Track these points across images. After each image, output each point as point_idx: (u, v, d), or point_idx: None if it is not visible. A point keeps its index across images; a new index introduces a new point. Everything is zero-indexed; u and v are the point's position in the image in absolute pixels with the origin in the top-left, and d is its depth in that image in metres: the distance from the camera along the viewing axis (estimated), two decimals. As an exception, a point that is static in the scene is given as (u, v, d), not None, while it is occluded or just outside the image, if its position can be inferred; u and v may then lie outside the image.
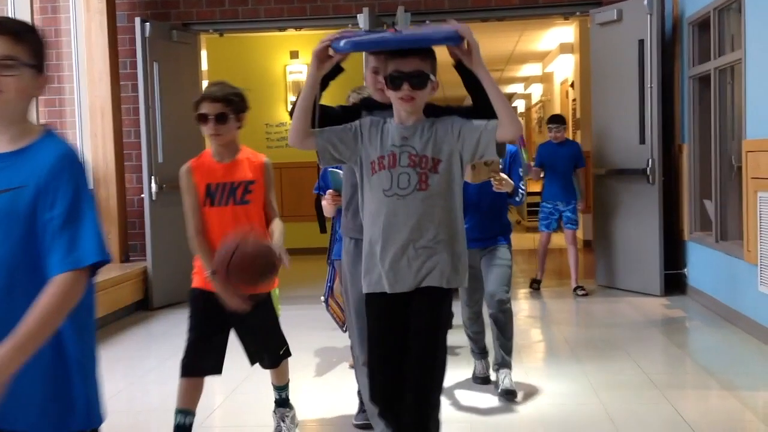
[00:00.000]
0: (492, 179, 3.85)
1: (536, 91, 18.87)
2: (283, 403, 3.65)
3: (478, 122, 2.60)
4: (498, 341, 4.20)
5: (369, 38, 2.66)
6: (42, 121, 7.15)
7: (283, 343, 3.50)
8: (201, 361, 3.30)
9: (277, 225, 3.32)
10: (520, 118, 3.19)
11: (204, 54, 7.89)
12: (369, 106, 2.96)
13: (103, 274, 6.64)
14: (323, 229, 3.97)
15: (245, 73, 10.09)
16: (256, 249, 2.92)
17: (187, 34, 7.44)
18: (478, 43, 2.54)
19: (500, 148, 2.57)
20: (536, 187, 8.07)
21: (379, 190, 2.62)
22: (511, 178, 4.00)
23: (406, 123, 2.64)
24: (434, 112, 2.71)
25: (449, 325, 3.08)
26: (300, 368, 4.82)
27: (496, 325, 4.16)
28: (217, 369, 3.36)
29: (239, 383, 4.50)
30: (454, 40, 2.54)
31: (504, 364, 4.21)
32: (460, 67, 2.65)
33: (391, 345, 2.67)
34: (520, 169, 4.16)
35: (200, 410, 3.92)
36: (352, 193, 3.04)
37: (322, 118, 2.72)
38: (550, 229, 7.13)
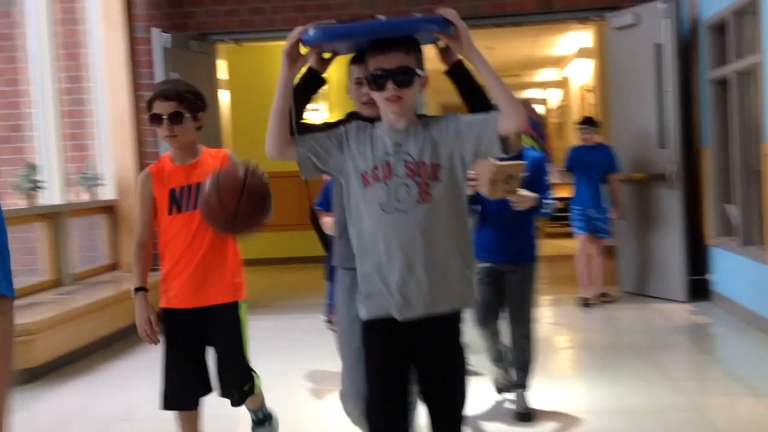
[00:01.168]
0: (509, 197, 3.53)
1: (554, 96, 18.84)
2: (260, 422, 3.40)
3: (476, 116, 2.35)
4: (516, 364, 3.94)
5: (341, 25, 2.31)
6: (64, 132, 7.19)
7: (249, 375, 3.18)
8: (183, 392, 3.08)
9: None
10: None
11: (224, 63, 7.94)
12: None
13: (126, 284, 6.64)
14: (327, 247, 3.86)
15: (264, 82, 10.11)
16: (263, 180, 2.71)
17: (204, 43, 7.48)
18: (466, 26, 2.27)
19: (504, 143, 2.30)
20: (561, 194, 7.94)
21: (376, 205, 2.34)
22: (538, 188, 3.66)
23: (397, 126, 2.36)
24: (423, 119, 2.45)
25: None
26: (308, 381, 4.79)
27: (516, 352, 3.90)
28: (205, 389, 3.14)
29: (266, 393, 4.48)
30: (438, 23, 2.26)
31: (520, 384, 3.96)
32: (453, 73, 2.46)
33: (395, 377, 2.40)
34: (546, 178, 3.82)
35: (225, 418, 3.92)
36: (344, 218, 2.67)
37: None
38: (587, 231, 6.73)
